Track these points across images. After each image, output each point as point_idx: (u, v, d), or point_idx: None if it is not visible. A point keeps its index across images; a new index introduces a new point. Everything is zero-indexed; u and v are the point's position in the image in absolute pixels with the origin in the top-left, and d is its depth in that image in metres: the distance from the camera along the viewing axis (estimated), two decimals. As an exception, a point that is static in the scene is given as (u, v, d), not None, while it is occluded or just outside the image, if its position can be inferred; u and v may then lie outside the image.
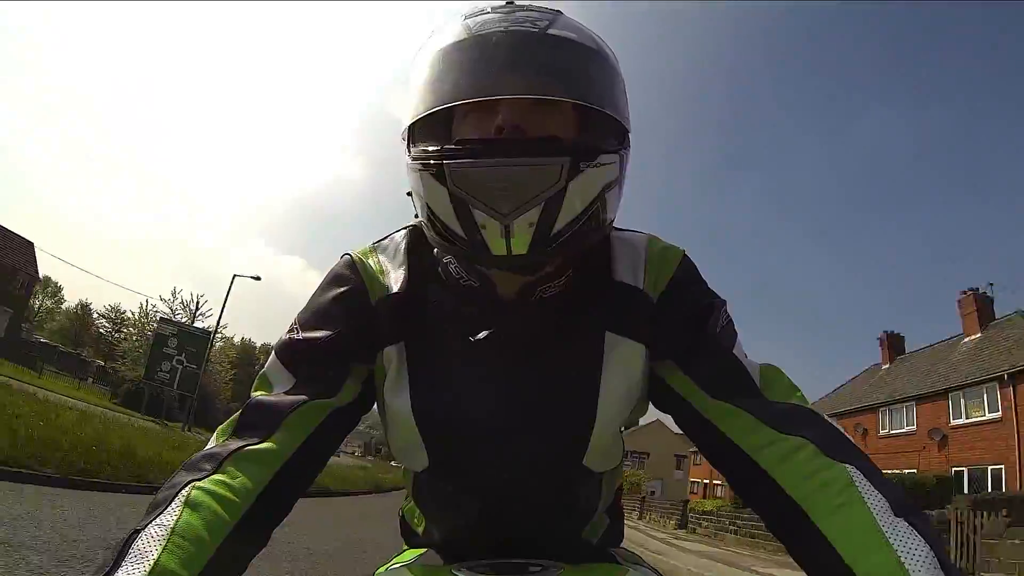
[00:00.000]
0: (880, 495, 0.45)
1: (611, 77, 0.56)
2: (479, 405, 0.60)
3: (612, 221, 0.58)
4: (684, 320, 0.62)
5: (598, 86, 0.54)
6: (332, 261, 0.67)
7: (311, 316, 0.63)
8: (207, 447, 0.55)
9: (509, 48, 0.52)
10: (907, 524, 0.43)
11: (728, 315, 0.64)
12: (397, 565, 0.67)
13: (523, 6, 0.57)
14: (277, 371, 0.61)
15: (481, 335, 0.60)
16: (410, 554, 0.73)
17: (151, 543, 0.43)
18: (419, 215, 0.57)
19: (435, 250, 0.65)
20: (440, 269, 0.64)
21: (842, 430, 0.53)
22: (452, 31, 0.56)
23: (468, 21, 0.55)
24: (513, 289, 0.61)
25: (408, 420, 0.61)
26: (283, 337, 0.63)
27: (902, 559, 0.40)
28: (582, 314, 0.62)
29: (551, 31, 0.54)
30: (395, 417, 0.63)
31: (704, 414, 0.58)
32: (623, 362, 0.62)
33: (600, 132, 0.55)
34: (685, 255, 0.66)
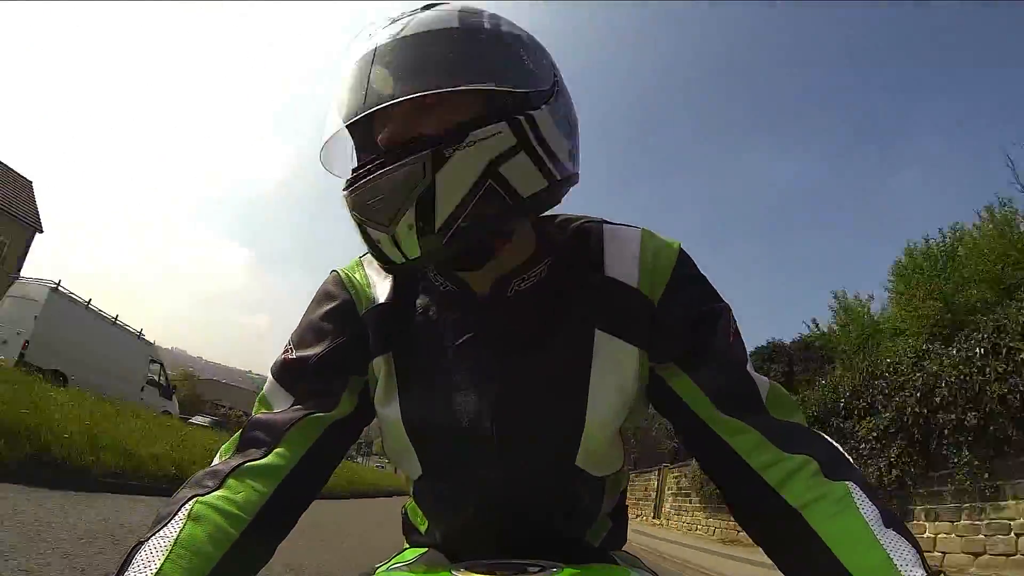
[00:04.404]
0: (873, 507, 0.49)
1: (478, 47, 0.53)
2: (465, 410, 0.60)
3: (540, 191, 0.54)
4: (689, 322, 0.60)
5: (456, 65, 0.52)
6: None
7: (304, 334, 0.64)
8: (211, 465, 0.56)
9: (367, 68, 0.52)
10: (895, 533, 0.47)
11: (735, 323, 0.62)
12: (397, 564, 0.67)
13: (399, 16, 0.56)
14: (275, 392, 0.62)
15: (462, 339, 0.60)
16: (411, 553, 0.73)
17: (154, 554, 0.44)
18: None
19: None
20: (421, 277, 0.65)
21: (841, 448, 0.55)
22: (340, 59, 0.56)
23: (350, 44, 0.56)
24: (486, 287, 0.61)
25: (399, 429, 0.62)
26: (279, 358, 0.64)
27: (893, 559, 0.44)
28: (568, 309, 0.61)
29: (403, 33, 0.53)
30: (387, 426, 0.63)
31: (712, 427, 0.57)
32: (613, 361, 0.60)
33: (471, 109, 0.52)
34: (682, 250, 0.63)
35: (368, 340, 0.63)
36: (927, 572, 0.44)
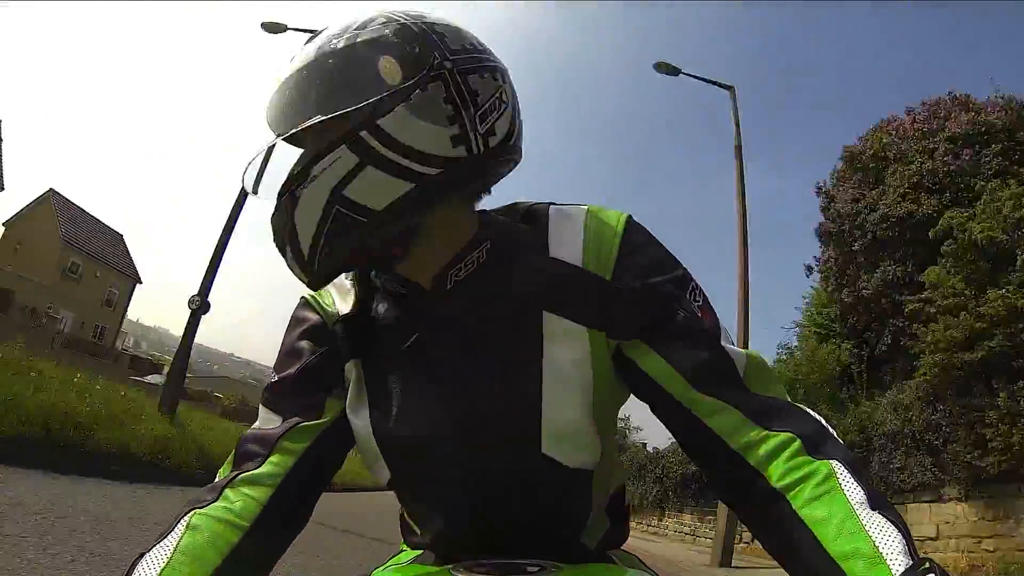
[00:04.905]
0: (859, 488, 0.47)
1: (322, 77, 0.54)
2: (423, 412, 0.60)
3: (405, 195, 0.52)
4: (645, 292, 0.57)
5: (298, 106, 0.54)
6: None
7: (282, 358, 0.67)
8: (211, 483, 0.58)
9: (266, 104, 0.57)
10: (881, 516, 0.45)
11: (702, 291, 0.60)
12: (394, 566, 0.67)
13: (305, 43, 0.57)
14: (264, 415, 0.65)
15: (410, 340, 0.60)
16: (407, 555, 0.73)
17: (154, 562, 0.47)
18: None
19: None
20: (382, 285, 0.66)
21: (825, 423, 0.53)
22: None
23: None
24: (428, 283, 0.61)
25: (367, 435, 0.62)
26: (264, 387, 0.67)
27: (878, 545, 0.42)
28: (512, 293, 0.59)
29: (286, 76, 0.56)
30: (357, 433, 0.63)
31: (688, 407, 0.55)
32: (566, 343, 0.58)
33: (315, 144, 0.54)
34: (629, 219, 0.61)
35: (338, 350, 0.65)
36: (913, 558, 0.41)
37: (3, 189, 26.16)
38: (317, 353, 0.65)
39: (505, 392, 0.58)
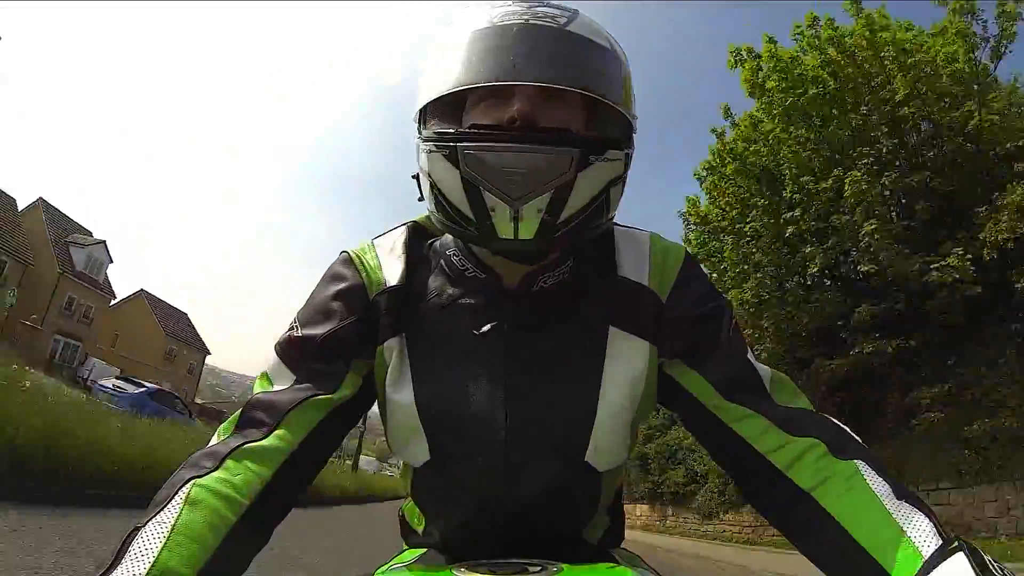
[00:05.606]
0: (883, 482, 0.49)
1: (622, 77, 0.59)
2: (480, 396, 0.61)
3: (614, 216, 0.61)
4: (695, 321, 0.64)
5: (610, 83, 0.56)
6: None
7: (311, 313, 0.65)
8: (209, 445, 0.56)
9: (527, 39, 0.54)
10: (909, 505, 0.47)
11: (735, 319, 0.66)
12: (397, 565, 0.67)
13: (544, 2, 0.59)
14: (278, 369, 0.63)
15: (485, 328, 0.61)
16: (409, 554, 0.73)
17: (151, 541, 0.44)
18: (424, 197, 0.60)
19: (435, 243, 0.68)
20: (443, 261, 0.66)
21: (848, 429, 0.56)
22: (473, 19, 0.58)
23: (491, 11, 0.58)
24: (516, 279, 0.63)
25: (411, 412, 0.62)
26: (283, 335, 0.64)
27: (907, 531, 0.44)
28: (585, 306, 0.64)
29: (569, 27, 0.56)
30: (397, 410, 0.63)
31: (718, 415, 0.60)
32: (626, 357, 0.62)
33: (609, 128, 0.58)
34: (687, 253, 0.68)
35: (376, 323, 0.63)
36: (943, 537, 0.43)
37: (116, 297, 36.25)
38: (348, 321, 0.63)
39: (564, 403, 0.61)
